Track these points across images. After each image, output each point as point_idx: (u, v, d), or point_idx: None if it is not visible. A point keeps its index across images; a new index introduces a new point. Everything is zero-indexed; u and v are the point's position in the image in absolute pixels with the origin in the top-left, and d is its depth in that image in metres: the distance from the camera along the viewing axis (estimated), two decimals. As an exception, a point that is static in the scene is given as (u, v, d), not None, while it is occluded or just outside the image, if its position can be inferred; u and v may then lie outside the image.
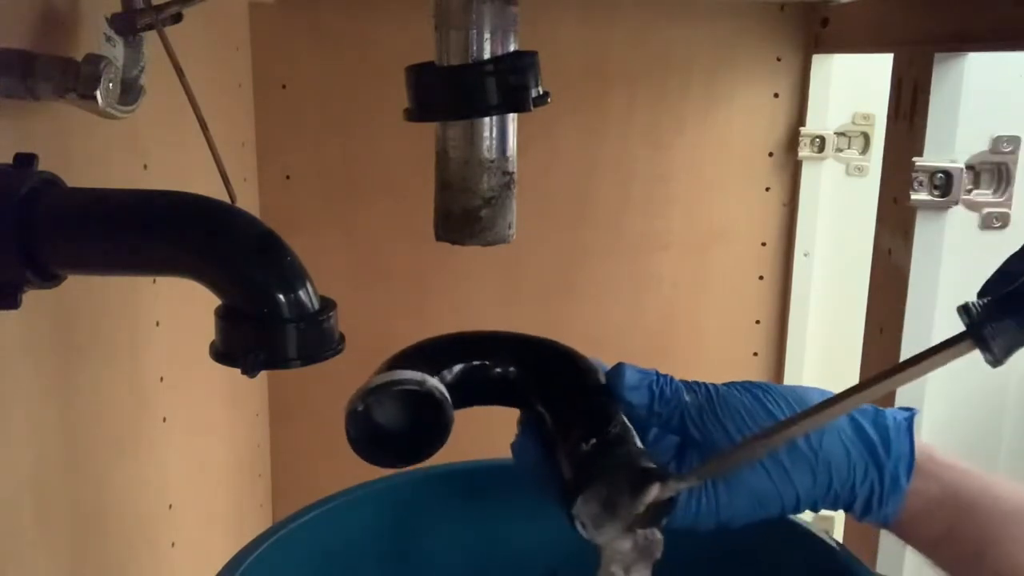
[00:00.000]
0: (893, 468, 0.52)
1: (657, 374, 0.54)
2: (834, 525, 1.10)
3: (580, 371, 0.57)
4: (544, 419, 0.54)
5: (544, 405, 0.55)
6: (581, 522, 0.48)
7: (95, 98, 0.56)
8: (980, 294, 0.44)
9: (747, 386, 0.54)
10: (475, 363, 0.57)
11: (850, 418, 0.53)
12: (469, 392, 0.56)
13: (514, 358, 0.58)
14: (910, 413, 0.54)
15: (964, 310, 0.43)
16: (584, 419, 0.52)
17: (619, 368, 0.55)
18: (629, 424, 0.52)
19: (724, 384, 0.54)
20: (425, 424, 0.54)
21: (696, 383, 0.54)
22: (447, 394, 0.53)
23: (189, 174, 0.76)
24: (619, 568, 0.48)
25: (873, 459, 0.52)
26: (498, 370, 0.58)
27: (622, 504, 0.49)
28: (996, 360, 0.43)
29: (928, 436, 0.54)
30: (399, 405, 0.54)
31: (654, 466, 0.49)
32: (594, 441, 0.50)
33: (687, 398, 0.53)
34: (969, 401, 0.88)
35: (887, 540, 0.88)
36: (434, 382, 0.53)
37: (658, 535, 0.49)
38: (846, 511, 0.53)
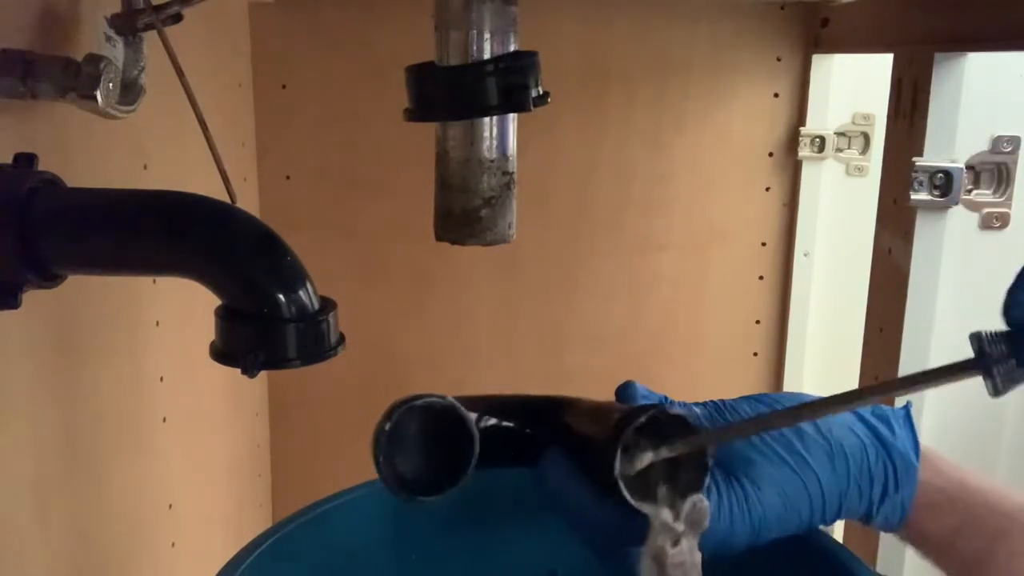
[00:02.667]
0: (902, 448, 0.53)
1: (665, 396, 0.56)
2: (834, 525, 1.10)
3: (594, 402, 0.57)
4: (569, 437, 0.54)
5: (566, 433, 0.55)
6: (626, 485, 0.48)
7: (95, 98, 0.56)
8: (1005, 311, 0.43)
9: (754, 396, 0.55)
10: (499, 423, 0.56)
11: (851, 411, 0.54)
12: (492, 450, 0.55)
13: (530, 414, 0.57)
14: (906, 404, 0.55)
15: (976, 339, 0.43)
16: (610, 409, 0.53)
17: (630, 383, 0.56)
18: None
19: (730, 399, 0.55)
20: (450, 455, 0.54)
21: (703, 401, 0.55)
22: (468, 414, 0.53)
23: (189, 174, 0.76)
24: (667, 539, 0.47)
25: (881, 442, 0.53)
26: (525, 430, 0.57)
27: (662, 453, 0.48)
28: (997, 393, 0.43)
29: (927, 441, 0.55)
30: (423, 439, 0.54)
31: (684, 412, 0.49)
32: (626, 410, 0.50)
33: (697, 410, 0.54)
34: (968, 408, 0.88)
35: (887, 540, 0.88)
36: (455, 401, 0.53)
37: (705, 503, 0.48)
38: (867, 513, 0.53)
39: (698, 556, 0.48)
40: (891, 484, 0.53)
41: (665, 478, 0.49)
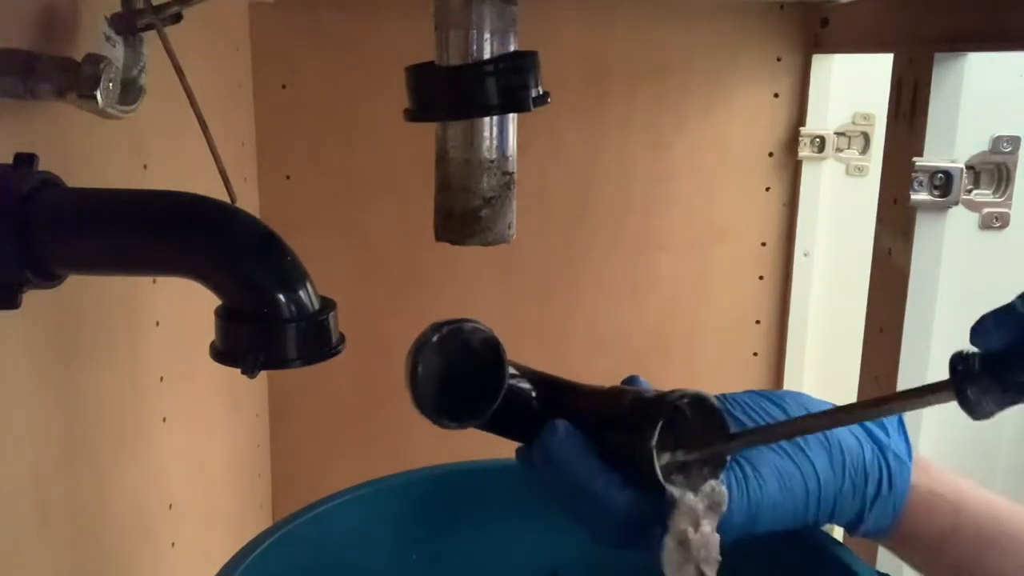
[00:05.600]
0: (895, 447, 0.54)
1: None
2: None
3: (597, 386, 0.57)
4: (579, 414, 0.54)
5: (575, 410, 0.55)
6: (660, 464, 0.48)
7: (95, 98, 0.56)
8: (973, 332, 0.43)
9: (750, 391, 0.55)
10: (521, 384, 0.57)
11: None
12: (505, 410, 0.55)
13: (542, 388, 0.57)
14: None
15: (952, 363, 0.42)
16: (624, 391, 0.53)
17: (634, 378, 0.57)
18: None
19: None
20: (468, 393, 0.54)
21: None
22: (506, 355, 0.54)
23: (189, 174, 0.76)
24: (689, 523, 0.48)
25: (876, 442, 0.54)
26: (537, 401, 0.57)
27: (693, 434, 0.49)
28: (977, 419, 0.43)
29: (927, 450, 0.56)
30: (448, 366, 0.54)
31: (720, 405, 0.50)
32: (651, 393, 0.51)
33: None
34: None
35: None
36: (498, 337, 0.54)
37: (723, 487, 0.49)
38: (860, 513, 0.54)
39: (717, 538, 0.49)
40: (885, 483, 0.53)
41: (678, 468, 0.50)
